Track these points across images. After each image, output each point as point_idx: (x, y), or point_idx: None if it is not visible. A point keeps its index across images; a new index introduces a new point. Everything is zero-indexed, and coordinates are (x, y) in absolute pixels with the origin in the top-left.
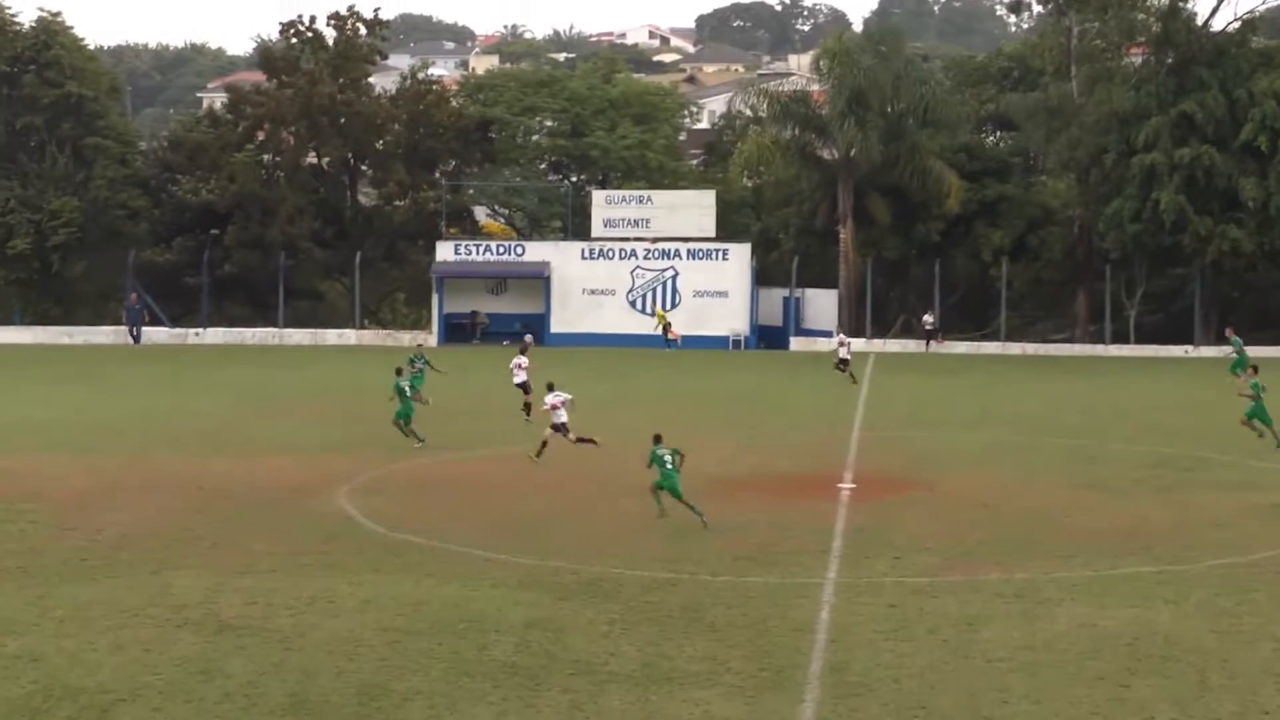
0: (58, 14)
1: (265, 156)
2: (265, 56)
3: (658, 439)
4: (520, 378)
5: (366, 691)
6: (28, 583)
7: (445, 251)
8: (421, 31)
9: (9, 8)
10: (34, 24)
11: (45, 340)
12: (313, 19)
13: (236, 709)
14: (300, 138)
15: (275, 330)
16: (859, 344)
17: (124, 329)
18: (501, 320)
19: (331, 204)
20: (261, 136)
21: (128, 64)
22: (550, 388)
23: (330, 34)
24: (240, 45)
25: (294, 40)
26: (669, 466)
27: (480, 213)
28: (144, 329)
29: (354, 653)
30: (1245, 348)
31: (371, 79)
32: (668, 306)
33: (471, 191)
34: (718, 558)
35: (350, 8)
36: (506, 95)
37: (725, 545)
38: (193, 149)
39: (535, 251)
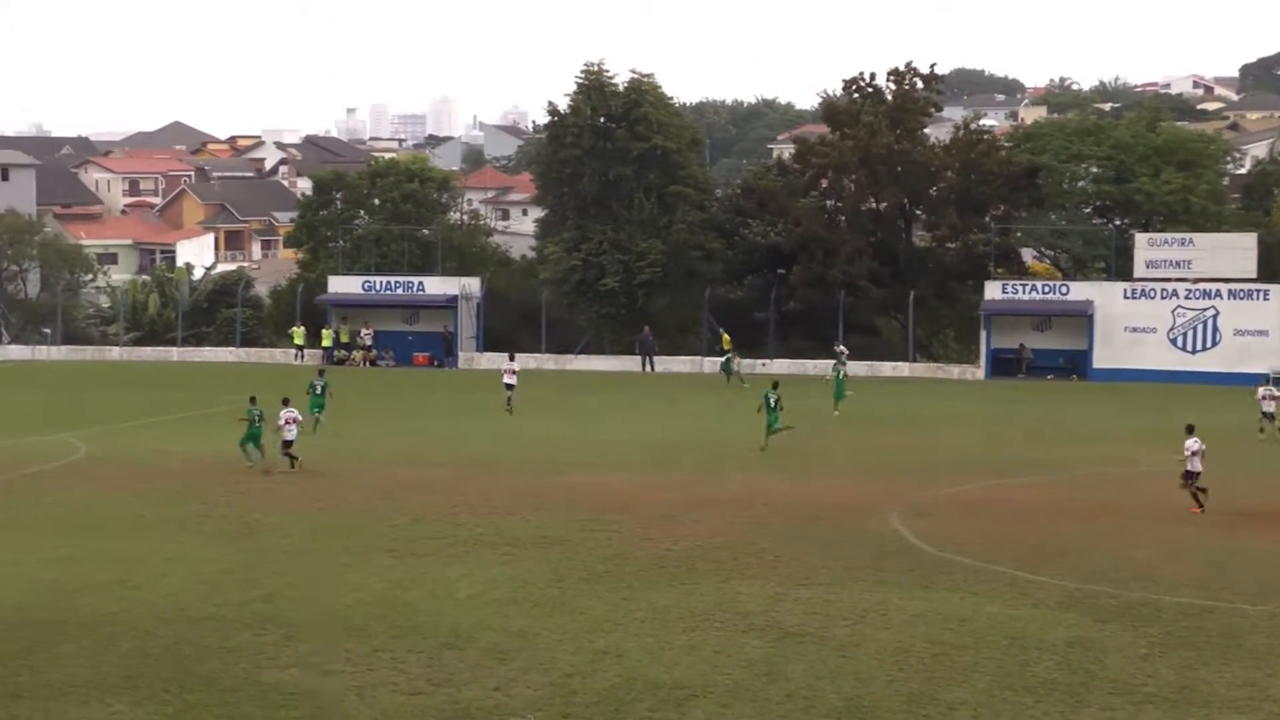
0: (649, 75)
1: (828, 202)
2: (829, 110)
3: (253, 400)
4: (510, 380)
5: (915, 699)
6: (614, 585)
7: (993, 290)
8: (974, 85)
9: (608, 71)
10: (627, 84)
11: (629, 368)
12: (873, 75)
13: (796, 709)
14: (860, 185)
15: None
16: None
17: (708, 360)
18: (1045, 355)
19: (887, 245)
20: (824, 184)
21: (707, 119)
22: (285, 402)
23: (889, 88)
24: (807, 100)
25: (855, 95)
26: (257, 423)
27: (1027, 254)
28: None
29: (904, 662)
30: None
31: (926, 129)
32: (1208, 345)
33: (1019, 234)
34: (1256, 587)
35: (908, 64)
36: (1053, 143)
37: (1264, 576)
38: (763, 195)
39: (1079, 291)
